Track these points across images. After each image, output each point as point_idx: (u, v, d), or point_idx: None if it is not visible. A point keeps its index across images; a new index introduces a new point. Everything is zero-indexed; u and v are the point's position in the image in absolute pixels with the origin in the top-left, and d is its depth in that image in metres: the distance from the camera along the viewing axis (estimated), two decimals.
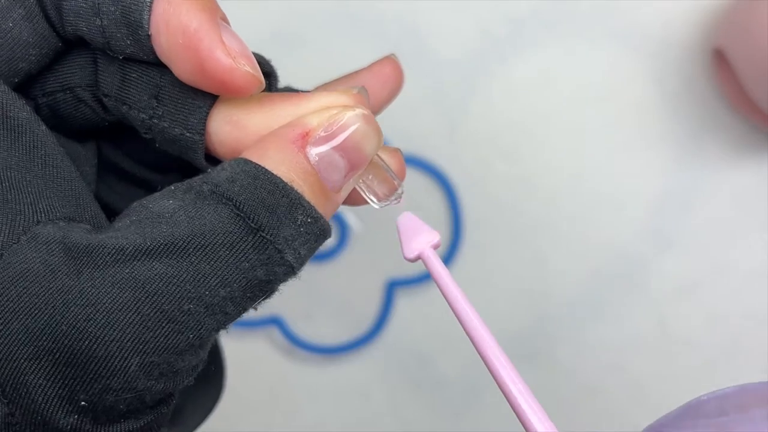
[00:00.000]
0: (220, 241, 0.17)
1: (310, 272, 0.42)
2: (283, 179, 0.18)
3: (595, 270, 0.41)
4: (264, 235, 0.18)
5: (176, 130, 0.19)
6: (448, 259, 0.41)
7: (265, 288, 0.18)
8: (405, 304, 0.42)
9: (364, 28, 0.40)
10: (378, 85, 0.23)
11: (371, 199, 0.21)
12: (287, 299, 0.42)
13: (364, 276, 0.42)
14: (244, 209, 0.17)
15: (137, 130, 0.20)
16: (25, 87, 0.20)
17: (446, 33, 0.40)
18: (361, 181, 0.20)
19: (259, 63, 0.20)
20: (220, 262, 0.17)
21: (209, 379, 0.25)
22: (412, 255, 0.21)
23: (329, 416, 0.43)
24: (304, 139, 0.19)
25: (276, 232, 0.18)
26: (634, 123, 0.40)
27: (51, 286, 0.17)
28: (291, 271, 0.18)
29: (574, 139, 0.41)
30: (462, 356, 0.42)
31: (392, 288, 0.42)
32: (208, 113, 0.19)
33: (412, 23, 0.40)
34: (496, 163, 0.41)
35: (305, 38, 0.41)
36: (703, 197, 0.41)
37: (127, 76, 0.20)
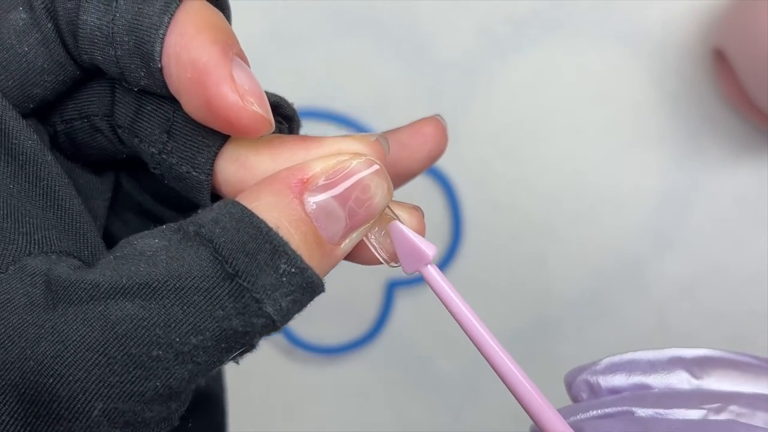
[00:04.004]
0: (195, 285, 0.16)
1: None
2: (269, 224, 0.17)
3: (595, 270, 0.41)
4: (241, 281, 0.16)
5: (183, 167, 0.19)
6: (448, 259, 0.41)
7: (242, 340, 0.17)
8: (405, 304, 0.42)
9: (364, 28, 0.40)
10: (416, 143, 0.22)
11: (383, 258, 0.19)
12: None
13: (364, 277, 0.42)
14: (223, 252, 0.16)
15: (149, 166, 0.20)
16: (45, 113, 0.20)
17: (446, 33, 0.40)
18: (372, 237, 0.19)
19: (280, 106, 0.19)
20: (193, 308, 0.16)
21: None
22: (410, 270, 0.19)
23: (329, 416, 0.43)
24: (303, 185, 0.17)
25: (254, 280, 0.16)
26: (634, 123, 0.40)
27: (27, 318, 0.16)
28: (271, 324, 0.17)
29: (573, 139, 0.41)
30: (461, 356, 0.42)
31: (392, 288, 0.42)
32: (216, 153, 0.19)
33: (412, 23, 0.40)
34: (496, 163, 0.41)
35: (305, 38, 0.41)
36: (703, 197, 0.41)
37: (142, 109, 0.19)
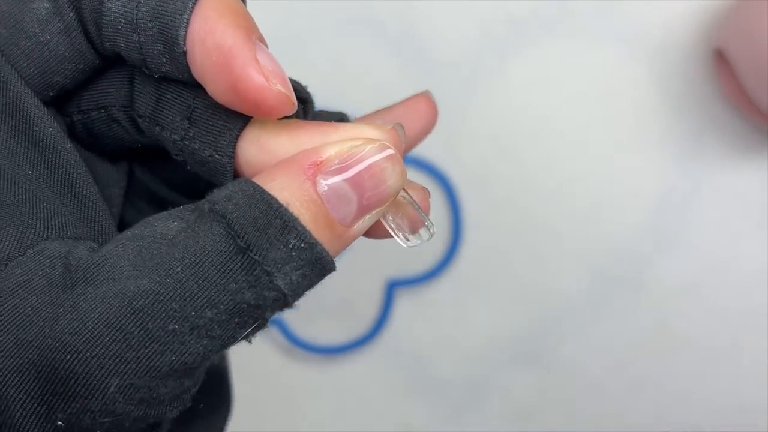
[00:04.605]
0: (209, 260, 0.17)
1: None
2: (281, 202, 0.17)
3: (596, 269, 0.41)
4: (252, 255, 0.17)
5: (206, 151, 0.19)
6: (448, 259, 0.41)
7: (255, 314, 0.17)
8: (405, 304, 0.42)
9: (364, 28, 0.40)
10: (411, 120, 0.22)
11: (399, 237, 0.20)
12: None
13: (364, 276, 0.42)
14: (235, 227, 0.17)
15: (170, 154, 0.20)
16: (62, 103, 0.20)
17: (446, 33, 0.40)
18: (389, 218, 0.20)
19: (295, 89, 0.20)
20: (208, 281, 0.17)
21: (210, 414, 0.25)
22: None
23: (329, 416, 0.43)
24: (317, 167, 0.18)
25: (264, 254, 0.17)
26: (635, 123, 0.40)
27: (46, 298, 0.16)
28: (283, 298, 0.18)
29: (574, 139, 0.41)
30: (461, 357, 0.42)
31: (392, 288, 0.42)
32: (238, 135, 0.19)
33: (412, 23, 0.40)
34: (497, 163, 0.41)
35: (305, 38, 0.41)
36: (704, 197, 0.41)
37: (162, 97, 0.19)
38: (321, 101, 0.42)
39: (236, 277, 0.17)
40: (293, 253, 0.17)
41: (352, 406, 0.43)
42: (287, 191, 0.18)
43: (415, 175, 0.41)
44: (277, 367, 0.43)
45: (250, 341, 0.18)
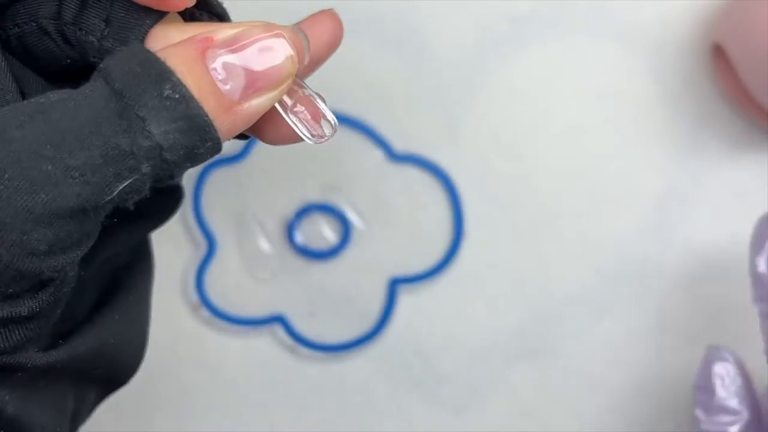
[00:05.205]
0: (86, 106, 0.18)
1: (312, 270, 0.42)
2: (165, 63, 0.18)
3: (597, 267, 0.41)
4: (126, 100, 0.18)
5: (117, 48, 0.20)
6: (450, 257, 0.42)
7: (129, 163, 0.18)
8: (407, 301, 0.42)
9: (364, 28, 0.41)
10: (317, 31, 0.23)
11: (302, 133, 0.21)
12: (290, 298, 0.42)
13: (366, 274, 0.42)
14: (112, 76, 0.18)
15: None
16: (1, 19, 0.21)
17: (446, 32, 0.41)
18: (290, 114, 0.21)
19: (210, 3, 0.21)
20: (83, 126, 0.17)
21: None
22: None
23: (332, 412, 0.43)
24: (208, 42, 0.19)
25: (137, 98, 0.18)
26: (634, 120, 0.41)
27: None
28: (157, 150, 0.18)
29: (573, 136, 0.41)
30: (464, 354, 0.43)
31: (395, 286, 0.42)
32: (147, 31, 0.20)
33: (412, 23, 0.40)
34: (497, 162, 0.41)
35: None
36: (703, 193, 0.41)
37: (85, 3, 0.20)
38: None
39: (110, 121, 0.18)
40: (167, 103, 0.18)
41: (355, 403, 0.43)
42: (174, 58, 0.19)
43: (416, 174, 0.41)
44: (281, 365, 0.43)
45: (130, 207, 0.19)
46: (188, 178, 0.42)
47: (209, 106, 0.18)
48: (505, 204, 0.41)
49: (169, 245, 0.43)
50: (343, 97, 0.41)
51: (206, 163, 0.41)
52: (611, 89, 0.40)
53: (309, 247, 0.42)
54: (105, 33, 0.20)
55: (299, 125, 0.21)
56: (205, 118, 0.18)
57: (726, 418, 0.34)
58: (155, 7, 0.20)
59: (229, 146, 0.41)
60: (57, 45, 0.21)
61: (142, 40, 0.20)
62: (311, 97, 0.21)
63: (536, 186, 0.41)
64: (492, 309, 0.42)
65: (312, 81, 0.43)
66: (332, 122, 0.21)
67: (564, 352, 0.42)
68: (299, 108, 0.21)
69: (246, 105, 0.19)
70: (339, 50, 0.42)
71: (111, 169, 0.18)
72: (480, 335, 0.42)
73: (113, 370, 0.23)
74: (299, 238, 0.42)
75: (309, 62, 0.23)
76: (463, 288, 0.42)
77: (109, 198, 0.18)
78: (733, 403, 0.34)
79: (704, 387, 0.34)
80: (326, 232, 0.42)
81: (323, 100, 0.21)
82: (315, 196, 0.42)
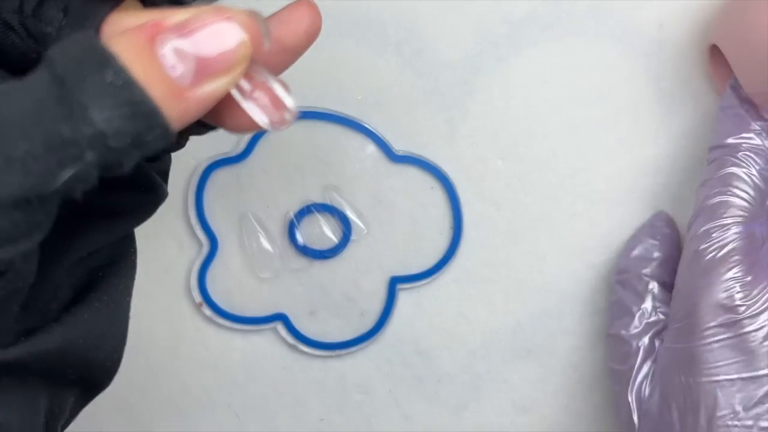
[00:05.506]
0: (27, 94, 0.17)
1: (313, 269, 0.42)
2: (110, 50, 0.18)
3: (594, 265, 0.42)
4: (68, 87, 0.17)
5: None
6: (449, 256, 0.42)
7: (72, 152, 0.17)
8: (407, 300, 0.43)
9: (364, 29, 0.41)
10: (295, 19, 0.23)
11: (260, 119, 0.20)
12: (292, 296, 0.43)
13: (366, 273, 0.43)
14: (54, 64, 0.17)
15: None
16: None
17: (445, 34, 0.41)
18: (248, 100, 0.20)
19: None
20: (24, 114, 0.17)
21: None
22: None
23: (333, 410, 0.44)
24: (157, 28, 0.18)
25: (78, 85, 0.17)
26: (632, 121, 0.41)
27: None
28: (101, 137, 0.17)
29: (572, 137, 0.41)
30: (463, 352, 0.43)
31: (394, 285, 0.42)
32: (103, 20, 0.20)
33: (412, 25, 0.41)
34: (496, 162, 0.41)
35: None
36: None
37: None
38: (322, 102, 0.43)
39: (51, 109, 0.17)
40: (110, 89, 0.17)
41: (356, 401, 0.44)
42: (122, 44, 0.18)
43: (416, 174, 0.42)
44: (282, 363, 0.44)
45: (78, 197, 0.18)
46: (190, 178, 0.42)
47: (158, 92, 0.18)
48: (504, 204, 0.42)
49: (172, 244, 0.43)
50: (343, 98, 0.41)
51: (208, 162, 0.42)
52: (609, 90, 0.41)
53: (310, 247, 0.42)
54: (63, 23, 0.20)
55: (257, 111, 0.20)
56: (150, 104, 0.18)
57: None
58: None
59: (231, 146, 0.42)
60: (22, 39, 0.21)
61: (98, 28, 0.20)
62: (268, 83, 0.20)
63: (534, 186, 0.41)
64: (490, 308, 0.42)
65: (312, 81, 0.43)
66: (291, 109, 0.20)
67: (562, 350, 0.42)
68: (258, 94, 0.20)
69: (198, 91, 0.19)
70: (339, 51, 0.42)
71: (53, 158, 0.17)
72: (479, 333, 0.43)
73: (87, 371, 0.23)
74: (300, 237, 0.42)
75: (287, 51, 0.23)
76: (461, 287, 0.42)
77: (55, 187, 0.17)
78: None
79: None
80: (327, 232, 0.42)
81: (284, 87, 0.21)
82: (315, 196, 0.42)
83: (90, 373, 0.23)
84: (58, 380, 0.22)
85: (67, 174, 0.17)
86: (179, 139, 0.24)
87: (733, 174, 0.34)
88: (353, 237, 0.42)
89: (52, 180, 0.17)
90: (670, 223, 0.40)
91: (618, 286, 0.38)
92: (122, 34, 0.18)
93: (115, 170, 0.18)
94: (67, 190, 0.18)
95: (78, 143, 0.17)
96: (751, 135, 0.35)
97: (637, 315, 0.37)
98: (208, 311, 0.43)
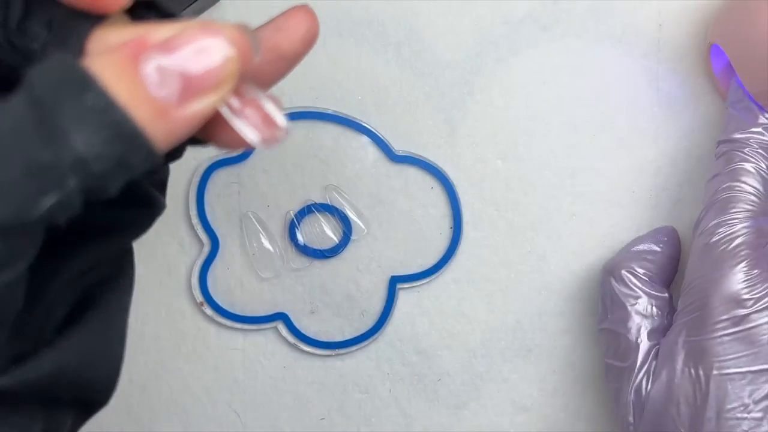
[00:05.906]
0: (6, 116, 0.17)
1: (314, 269, 0.42)
2: (90, 71, 0.17)
3: (592, 265, 0.42)
4: (46, 111, 0.17)
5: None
6: (449, 255, 0.42)
7: (53, 178, 0.17)
8: (407, 300, 0.43)
9: (364, 30, 0.41)
10: (292, 25, 0.22)
11: (249, 138, 0.20)
12: (292, 296, 0.43)
13: (366, 273, 0.43)
14: (33, 87, 0.17)
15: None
16: None
17: (445, 34, 0.41)
18: (237, 118, 0.19)
19: (160, 4, 0.20)
20: (1, 141, 0.16)
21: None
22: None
23: (333, 409, 0.44)
24: (140, 46, 0.18)
25: (58, 108, 0.17)
26: (631, 121, 0.41)
27: None
28: (83, 164, 0.17)
29: (571, 137, 0.41)
30: (463, 351, 0.43)
31: (394, 284, 0.42)
32: (86, 36, 0.19)
33: (412, 26, 0.41)
34: (495, 162, 0.42)
35: None
36: (698, 194, 0.41)
37: (29, 9, 0.20)
38: (321, 102, 0.43)
39: (30, 133, 0.16)
40: (90, 113, 0.17)
41: (356, 400, 0.44)
42: (104, 63, 0.17)
43: (415, 174, 0.42)
44: (283, 362, 0.44)
45: (59, 223, 0.17)
46: (191, 178, 0.42)
47: (142, 113, 0.17)
48: (503, 204, 0.42)
49: (173, 244, 0.43)
50: (343, 99, 0.41)
51: (209, 163, 0.42)
52: (609, 90, 0.41)
53: (310, 246, 0.42)
54: (48, 40, 0.20)
55: (247, 130, 0.20)
56: (133, 126, 0.17)
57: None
58: (89, 11, 0.19)
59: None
60: (8, 55, 0.20)
61: (83, 45, 0.19)
62: (258, 100, 0.20)
63: (533, 186, 0.42)
64: (490, 307, 0.43)
65: (312, 81, 0.43)
66: (282, 126, 0.20)
67: (562, 350, 0.42)
68: (248, 112, 0.19)
69: (185, 110, 0.18)
70: (339, 52, 0.42)
71: (33, 184, 0.16)
72: (478, 333, 0.43)
73: (83, 392, 0.22)
74: (300, 237, 0.42)
75: (284, 59, 0.22)
76: (461, 286, 0.42)
77: (38, 215, 0.17)
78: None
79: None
80: (327, 232, 0.42)
81: (276, 103, 0.20)
82: (316, 196, 0.42)
83: (86, 393, 0.22)
84: (52, 403, 0.21)
85: (49, 201, 0.17)
86: (176, 151, 0.23)
87: (742, 169, 0.35)
88: (353, 237, 0.42)
89: (33, 207, 0.17)
90: (672, 233, 0.40)
91: (611, 279, 0.38)
92: (105, 53, 0.18)
93: (100, 194, 0.18)
94: (51, 217, 0.17)
95: (59, 169, 0.17)
96: (760, 129, 0.35)
97: (634, 311, 0.37)
98: (209, 310, 0.43)
